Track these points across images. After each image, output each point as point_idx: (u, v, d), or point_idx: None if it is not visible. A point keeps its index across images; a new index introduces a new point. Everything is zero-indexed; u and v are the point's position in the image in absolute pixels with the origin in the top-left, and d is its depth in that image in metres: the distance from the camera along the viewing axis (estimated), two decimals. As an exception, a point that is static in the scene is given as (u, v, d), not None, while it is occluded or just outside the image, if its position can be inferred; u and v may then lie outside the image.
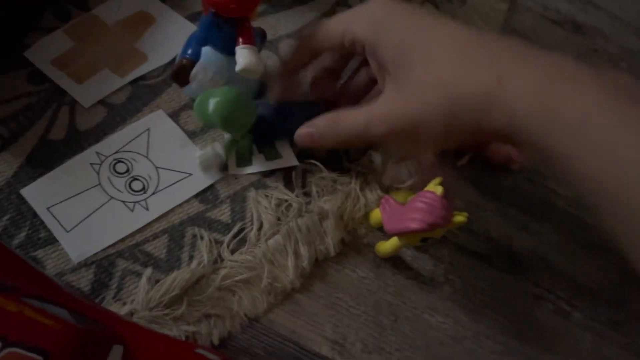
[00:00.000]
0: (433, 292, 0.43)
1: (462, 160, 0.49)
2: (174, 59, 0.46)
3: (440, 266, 0.45)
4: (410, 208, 0.37)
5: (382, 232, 0.43)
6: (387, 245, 0.41)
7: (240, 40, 0.39)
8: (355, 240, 0.44)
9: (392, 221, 0.39)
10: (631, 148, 0.27)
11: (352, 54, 0.43)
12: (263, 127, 0.42)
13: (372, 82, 0.43)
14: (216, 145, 0.42)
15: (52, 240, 0.37)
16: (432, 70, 0.34)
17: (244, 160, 0.43)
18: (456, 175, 0.49)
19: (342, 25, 0.39)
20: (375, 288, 0.42)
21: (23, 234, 0.37)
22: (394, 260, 0.44)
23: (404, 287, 0.43)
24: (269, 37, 0.50)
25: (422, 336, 0.41)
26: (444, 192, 0.37)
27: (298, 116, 0.42)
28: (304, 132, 0.40)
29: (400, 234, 0.39)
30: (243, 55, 0.39)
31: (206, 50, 0.42)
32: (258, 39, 0.43)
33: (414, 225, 0.36)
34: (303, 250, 0.40)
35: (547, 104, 0.30)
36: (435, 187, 0.38)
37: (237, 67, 0.39)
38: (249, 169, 0.43)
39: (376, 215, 0.43)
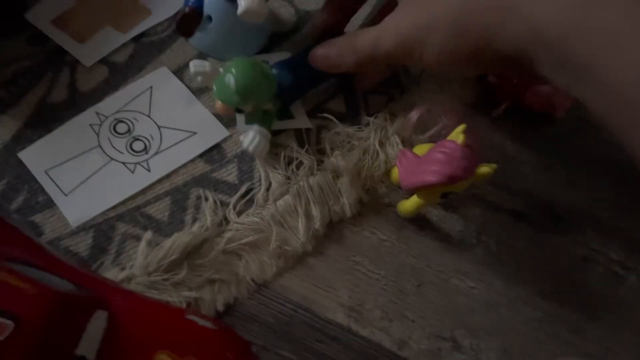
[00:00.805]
0: (463, 254, 0.39)
1: (496, 110, 0.44)
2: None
3: (471, 226, 0.40)
4: (427, 160, 0.33)
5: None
6: (408, 204, 0.38)
7: None
8: (374, 200, 0.40)
9: (408, 175, 0.35)
10: None
11: None
12: (286, 85, 0.39)
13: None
14: (257, 130, 0.37)
15: (50, 204, 0.35)
16: None
17: (253, 118, 0.40)
18: (491, 126, 0.44)
19: None
20: (397, 251, 0.39)
21: (21, 198, 0.35)
22: (419, 221, 0.40)
23: (430, 250, 0.39)
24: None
25: (450, 303, 0.38)
26: (467, 141, 0.33)
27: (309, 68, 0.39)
28: (320, 52, 0.38)
29: (417, 189, 0.35)
30: None
31: None
32: None
33: (430, 178, 0.32)
34: (315, 211, 0.37)
35: (573, 16, 0.26)
36: (457, 136, 0.33)
37: (239, 10, 0.36)
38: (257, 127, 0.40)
39: (397, 172, 0.39)
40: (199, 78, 0.37)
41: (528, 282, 0.39)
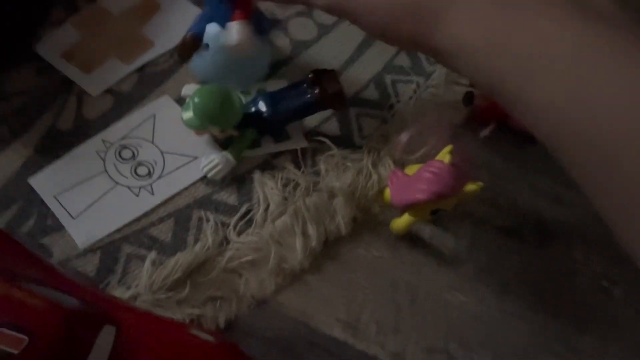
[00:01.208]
0: (455, 269, 0.41)
1: (484, 131, 0.46)
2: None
3: (462, 242, 0.42)
4: (417, 179, 0.35)
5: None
6: (400, 222, 0.39)
7: (234, 15, 0.38)
8: (369, 219, 0.42)
9: (399, 194, 0.37)
10: (595, 79, 0.23)
11: None
12: (260, 119, 0.41)
13: None
14: (222, 155, 0.40)
15: (59, 227, 0.37)
16: None
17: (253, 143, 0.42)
18: (480, 145, 0.46)
19: None
20: (391, 267, 0.40)
21: (32, 222, 0.37)
22: (412, 238, 0.41)
23: (423, 266, 0.41)
24: (279, 16, 0.49)
25: (443, 316, 0.39)
26: (454, 160, 0.35)
27: (290, 103, 0.41)
28: None
29: (407, 206, 0.37)
30: (232, 32, 0.38)
31: (210, 27, 0.42)
32: (266, 23, 0.43)
33: (420, 196, 0.34)
34: (311, 230, 0.39)
35: (494, 34, 0.26)
36: (444, 156, 0.35)
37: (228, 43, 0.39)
38: (258, 151, 0.42)
39: (389, 191, 0.41)
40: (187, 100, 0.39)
41: (518, 295, 0.40)
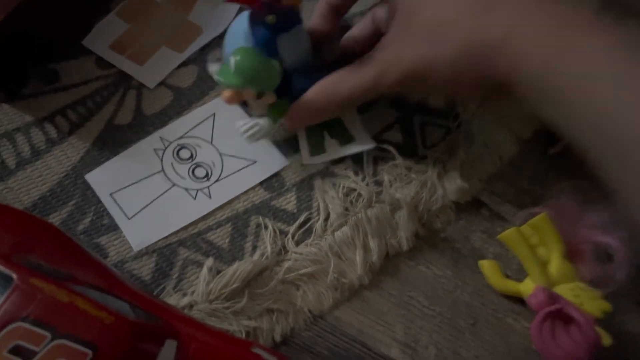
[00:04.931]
0: (518, 293, 0.39)
1: (554, 147, 0.44)
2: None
3: (527, 265, 0.40)
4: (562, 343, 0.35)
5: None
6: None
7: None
8: (431, 234, 0.40)
9: (544, 343, 0.36)
10: (628, 105, 0.26)
11: None
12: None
13: (378, 34, 0.38)
14: (261, 121, 0.38)
15: (114, 227, 0.36)
16: (443, 10, 0.32)
17: (317, 149, 0.40)
18: (547, 163, 0.44)
19: None
20: (452, 287, 0.39)
21: (88, 220, 0.36)
22: (475, 258, 0.40)
23: (485, 287, 0.39)
24: (307, 20, 0.47)
25: (504, 342, 0.37)
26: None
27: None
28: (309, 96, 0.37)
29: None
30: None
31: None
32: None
33: None
34: (372, 244, 0.37)
35: (552, 56, 0.28)
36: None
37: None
38: (324, 157, 0.40)
39: (492, 271, 0.39)
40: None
41: (584, 325, 0.38)
